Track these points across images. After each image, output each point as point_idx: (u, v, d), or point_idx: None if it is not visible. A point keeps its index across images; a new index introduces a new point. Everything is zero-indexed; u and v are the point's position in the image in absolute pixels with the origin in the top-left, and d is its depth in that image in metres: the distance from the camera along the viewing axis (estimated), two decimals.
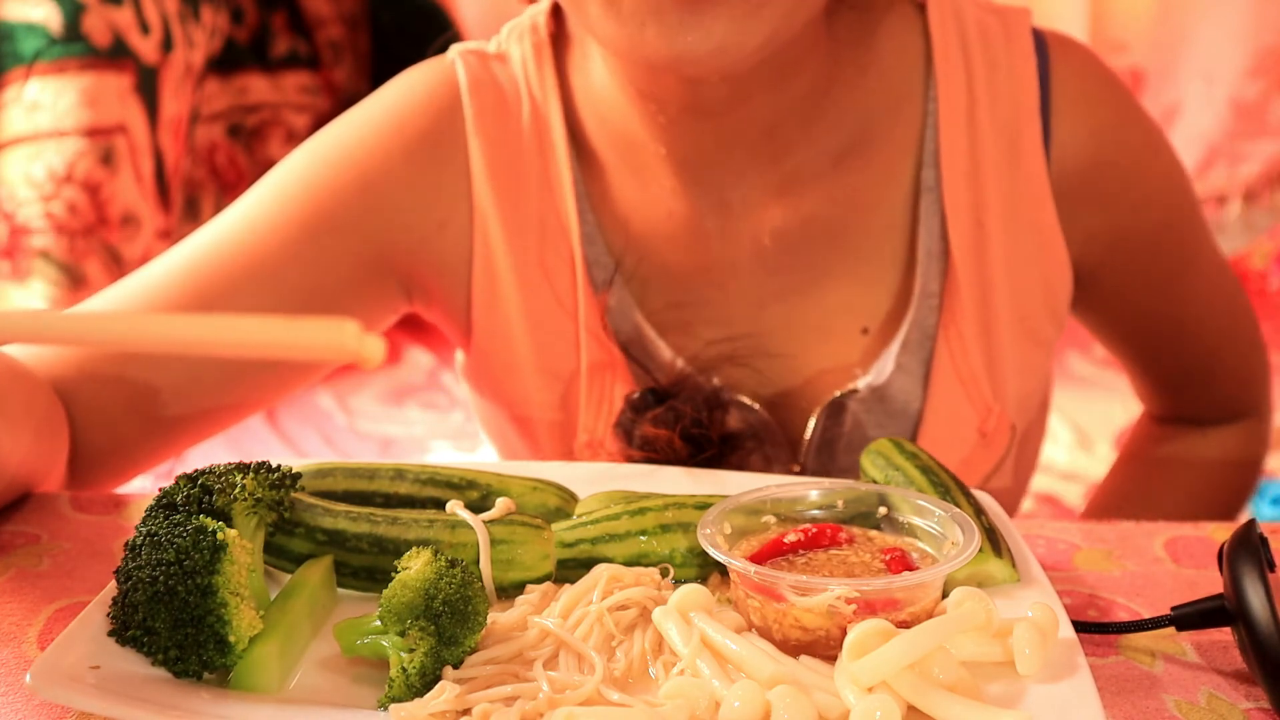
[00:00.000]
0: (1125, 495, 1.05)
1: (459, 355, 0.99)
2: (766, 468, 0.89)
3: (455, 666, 0.56)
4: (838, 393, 0.88)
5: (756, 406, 0.88)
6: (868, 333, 0.89)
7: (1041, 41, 0.90)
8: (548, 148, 0.89)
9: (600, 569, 0.63)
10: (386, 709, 0.54)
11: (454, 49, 0.92)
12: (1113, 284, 0.95)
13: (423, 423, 2.13)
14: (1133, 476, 1.08)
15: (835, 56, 0.86)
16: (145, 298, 0.86)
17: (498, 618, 0.60)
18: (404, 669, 0.54)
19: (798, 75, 0.83)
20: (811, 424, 0.89)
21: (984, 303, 0.88)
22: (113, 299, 0.87)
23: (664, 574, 0.64)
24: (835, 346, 0.90)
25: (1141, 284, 0.96)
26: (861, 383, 0.88)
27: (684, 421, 0.82)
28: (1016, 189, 0.88)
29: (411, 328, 0.97)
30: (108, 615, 0.57)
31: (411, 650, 0.55)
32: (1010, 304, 0.89)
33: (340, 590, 0.65)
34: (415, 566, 0.57)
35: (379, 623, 0.57)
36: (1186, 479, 1.04)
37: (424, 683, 0.54)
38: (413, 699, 0.54)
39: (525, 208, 0.89)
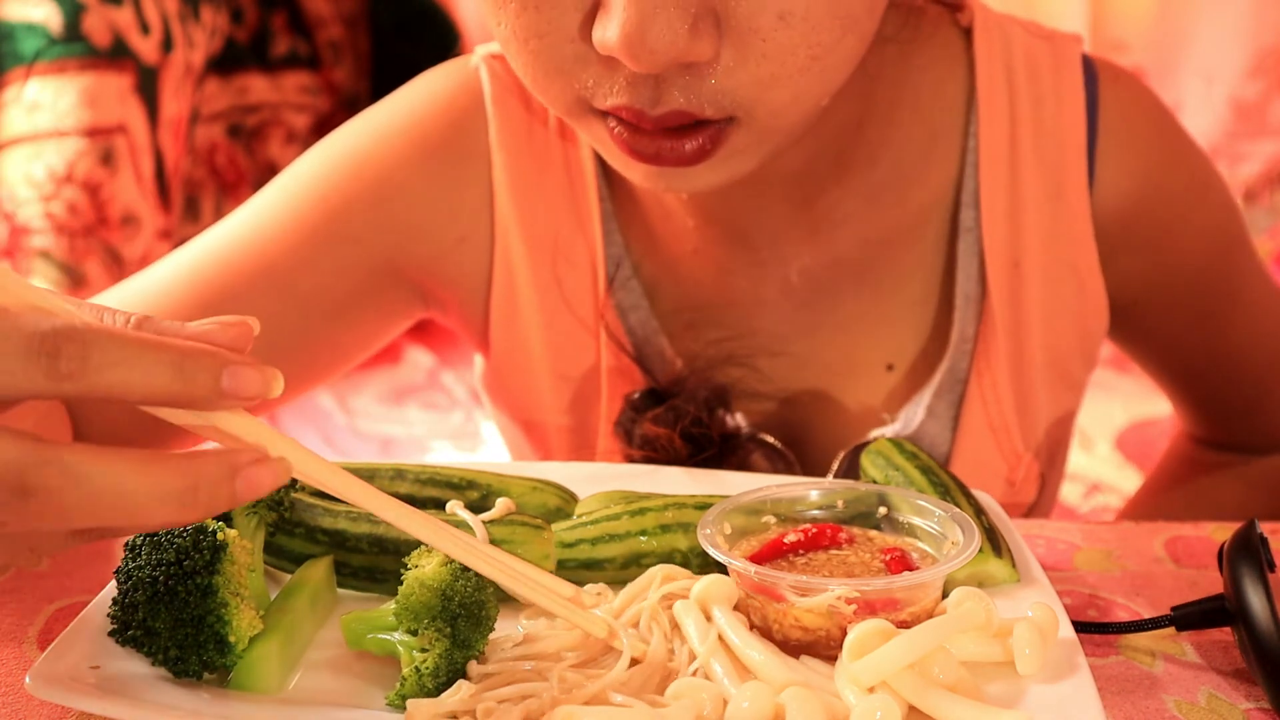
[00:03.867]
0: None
1: (478, 361, 0.98)
2: (769, 468, 0.89)
3: (466, 669, 0.56)
4: (867, 437, 0.86)
5: (779, 445, 0.87)
6: (893, 369, 0.87)
7: (1092, 72, 0.86)
8: (575, 164, 0.87)
9: (656, 569, 0.62)
10: (396, 706, 0.54)
11: (478, 52, 0.89)
12: (1152, 319, 0.92)
13: (423, 423, 2.13)
14: (1170, 502, 1.04)
15: (869, 94, 0.82)
16: (150, 299, 0.86)
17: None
18: (417, 669, 0.54)
19: (828, 119, 0.78)
20: (835, 466, 0.87)
21: (1018, 347, 0.86)
22: (117, 299, 0.87)
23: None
24: (860, 381, 0.88)
25: (1182, 319, 0.93)
26: (890, 430, 0.86)
27: (684, 421, 0.82)
28: (1057, 229, 0.85)
29: (411, 327, 0.96)
30: (108, 615, 0.57)
31: (425, 650, 0.55)
32: (1044, 347, 0.87)
33: (340, 590, 0.65)
34: (430, 566, 0.57)
35: (392, 619, 0.57)
36: (1227, 507, 0.99)
37: (435, 683, 0.54)
38: (422, 698, 0.54)
39: (549, 225, 0.87)
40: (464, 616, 0.55)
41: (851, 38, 0.65)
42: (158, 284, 0.86)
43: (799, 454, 0.88)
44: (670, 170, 0.68)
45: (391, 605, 0.57)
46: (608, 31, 0.61)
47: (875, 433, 0.87)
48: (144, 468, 0.44)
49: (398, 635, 0.57)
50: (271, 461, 0.47)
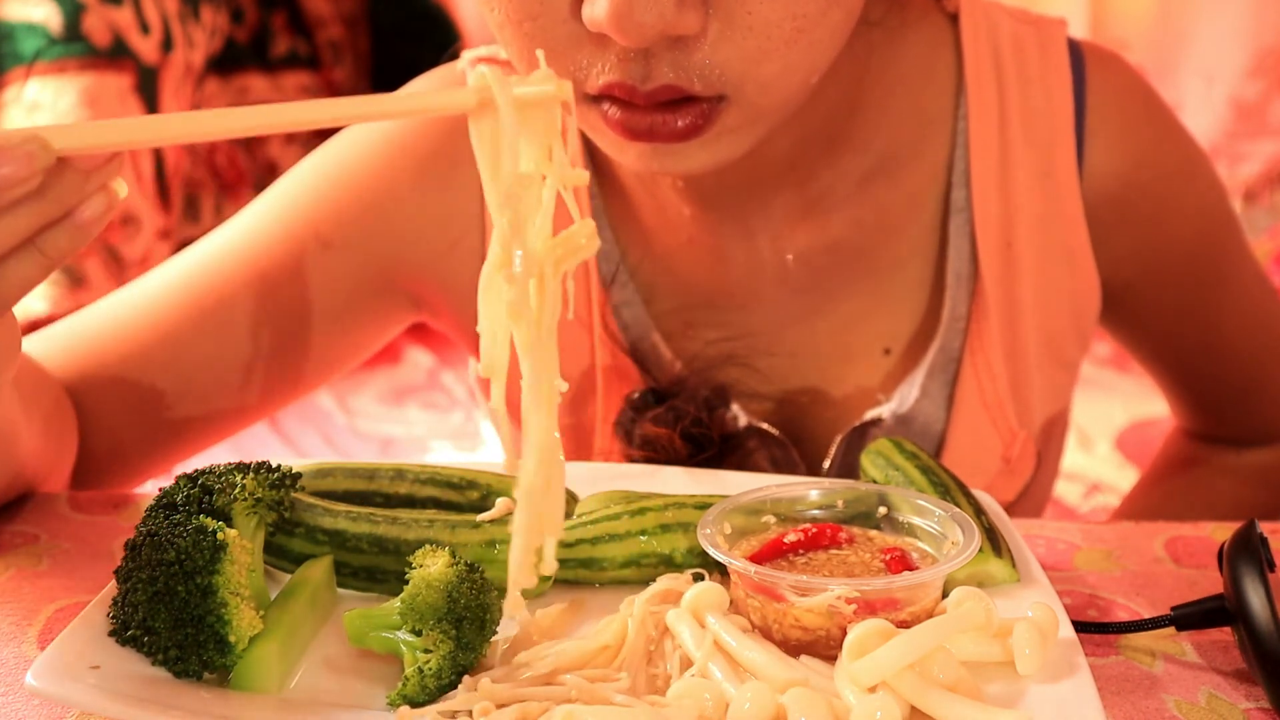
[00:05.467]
0: (1154, 517, 1.03)
1: (472, 362, 0.98)
2: (768, 457, 0.89)
3: (469, 671, 0.56)
4: (864, 418, 0.87)
5: (776, 433, 0.87)
6: (890, 353, 0.88)
7: (1078, 55, 0.87)
8: None
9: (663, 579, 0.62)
10: (397, 707, 0.54)
11: (465, 57, 0.90)
12: (1142, 304, 0.93)
13: (423, 423, 2.13)
14: (1165, 497, 1.05)
15: (859, 78, 0.82)
16: (145, 307, 0.86)
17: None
18: (420, 669, 0.54)
19: (817, 101, 0.79)
20: (833, 450, 0.87)
21: (1011, 326, 0.86)
22: (109, 309, 0.87)
23: (698, 578, 0.64)
24: (857, 368, 0.88)
25: (1173, 305, 0.93)
26: (886, 410, 0.86)
27: (684, 421, 0.82)
28: (1048, 209, 0.86)
29: (411, 328, 0.96)
30: (108, 615, 0.57)
31: (429, 651, 0.55)
32: (1038, 326, 0.87)
33: (340, 590, 0.65)
34: (436, 567, 0.57)
35: (397, 617, 0.57)
36: (1220, 502, 1.00)
37: (437, 684, 0.54)
38: (424, 699, 0.54)
39: None
40: (469, 619, 0.55)
41: (837, 11, 0.66)
42: (153, 292, 0.87)
43: (798, 445, 0.88)
44: (663, 149, 0.68)
45: (395, 603, 0.57)
46: (596, 8, 0.62)
47: (871, 414, 0.87)
48: None
49: (401, 634, 0.57)
50: (16, 147, 0.50)
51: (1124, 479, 1.78)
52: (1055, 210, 0.86)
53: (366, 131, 0.89)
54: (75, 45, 1.83)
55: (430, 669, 0.54)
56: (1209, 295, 0.94)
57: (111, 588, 0.58)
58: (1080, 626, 0.61)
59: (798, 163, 0.83)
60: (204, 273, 0.87)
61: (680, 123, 0.67)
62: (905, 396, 0.86)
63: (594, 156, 0.87)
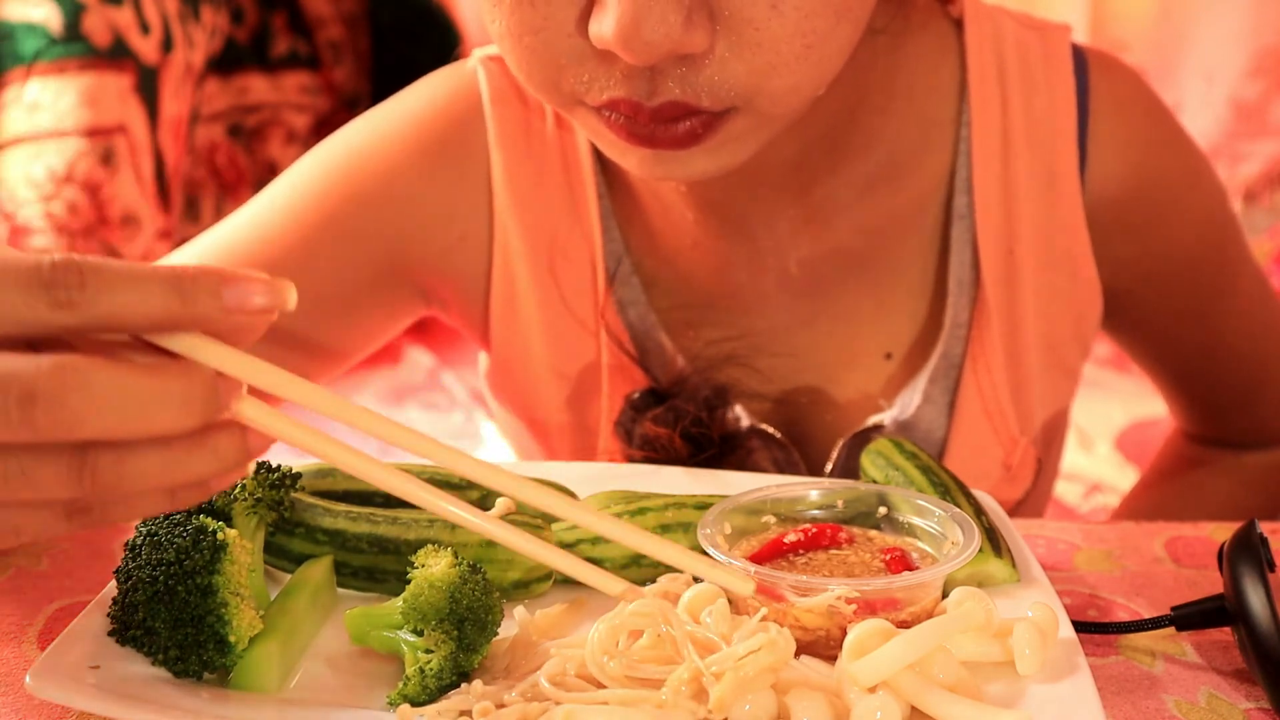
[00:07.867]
0: (1153, 518, 1.03)
1: (482, 358, 0.98)
2: (769, 459, 0.89)
3: (470, 671, 0.56)
4: (866, 423, 0.86)
5: (778, 435, 0.87)
6: (891, 358, 0.88)
7: (1082, 60, 0.87)
8: (573, 163, 0.87)
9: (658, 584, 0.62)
10: (397, 706, 0.54)
11: (476, 55, 0.90)
12: (1144, 309, 0.93)
13: (423, 423, 2.13)
14: (1164, 498, 1.05)
15: (862, 84, 0.82)
16: None
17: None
18: (422, 669, 0.55)
19: (820, 108, 0.78)
20: (834, 455, 0.87)
21: (1013, 333, 0.86)
22: None
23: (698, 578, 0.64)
24: (859, 372, 0.88)
25: (1174, 311, 0.93)
26: (887, 417, 0.86)
27: (684, 421, 0.82)
28: (1050, 216, 0.86)
29: (411, 327, 0.96)
30: (108, 615, 0.57)
31: (430, 651, 0.55)
32: (1039, 333, 0.87)
33: (340, 590, 0.65)
34: (439, 567, 0.57)
35: (398, 616, 0.57)
36: (1220, 504, 1.00)
37: (438, 685, 0.55)
38: (425, 699, 0.54)
39: (547, 222, 0.87)
40: (471, 620, 0.55)
41: (845, 25, 0.66)
42: None
43: (799, 447, 0.88)
44: (667, 155, 0.68)
45: (397, 603, 0.57)
46: (603, 25, 0.61)
47: (872, 419, 0.87)
48: (147, 371, 0.44)
49: (403, 634, 0.57)
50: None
51: (1124, 479, 1.78)
52: (1057, 216, 0.86)
53: (374, 123, 0.89)
54: (75, 45, 1.83)
55: (431, 669, 0.54)
56: (1210, 300, 0.94)
57: (111, 588, 0.58)
58: (1080, 626, 0.61)
59: (800, 169, 0.83)
60: (212, 263, 0.86)
61: (681, 127, 0.66)
62: (907, 403, 0.86)
63: (602, 156, 0.88)
